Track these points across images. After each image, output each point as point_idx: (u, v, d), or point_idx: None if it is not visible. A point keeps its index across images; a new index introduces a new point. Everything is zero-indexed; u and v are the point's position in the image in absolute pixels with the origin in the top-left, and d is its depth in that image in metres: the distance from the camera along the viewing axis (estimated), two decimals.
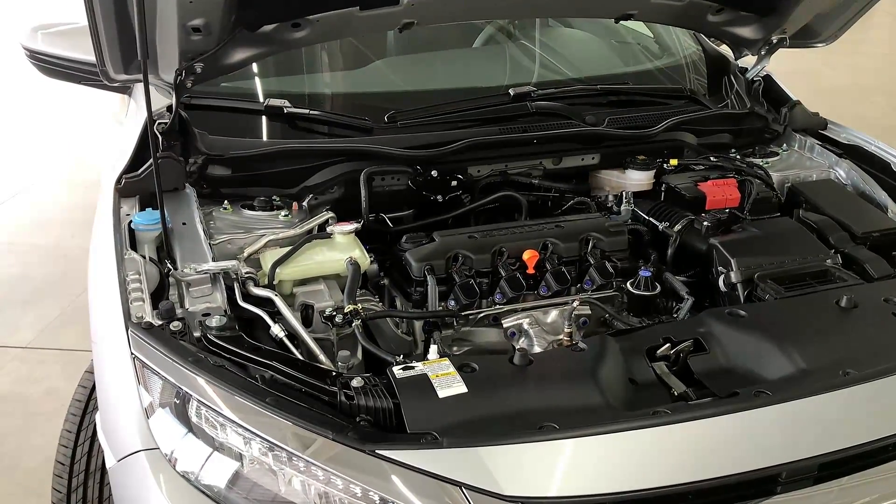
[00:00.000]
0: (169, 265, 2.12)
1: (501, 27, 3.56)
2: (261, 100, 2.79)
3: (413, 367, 1.83)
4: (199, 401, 1.76)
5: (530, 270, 2.34)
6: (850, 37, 3.25)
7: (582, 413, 1.75)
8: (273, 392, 1.74)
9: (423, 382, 1.78)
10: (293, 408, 1.71)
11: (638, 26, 3.66)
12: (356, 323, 2.03)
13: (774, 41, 3.04)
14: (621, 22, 3.07)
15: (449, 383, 1.78)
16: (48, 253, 5.11)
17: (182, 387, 1.78)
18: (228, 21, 2.31)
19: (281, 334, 1.99)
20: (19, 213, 5.74)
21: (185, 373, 1.79)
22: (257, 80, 3.05)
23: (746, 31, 3.05)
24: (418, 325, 2.26)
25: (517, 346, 2.25)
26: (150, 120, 1.98)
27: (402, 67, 3.27)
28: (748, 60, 3.27)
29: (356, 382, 1.78)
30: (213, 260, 2.20)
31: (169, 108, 2.52)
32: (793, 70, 4.26)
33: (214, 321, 1.95)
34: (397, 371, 1.81)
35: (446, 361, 1.85)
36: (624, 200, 2.70)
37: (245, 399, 1.72)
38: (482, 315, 2.28)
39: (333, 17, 2.45)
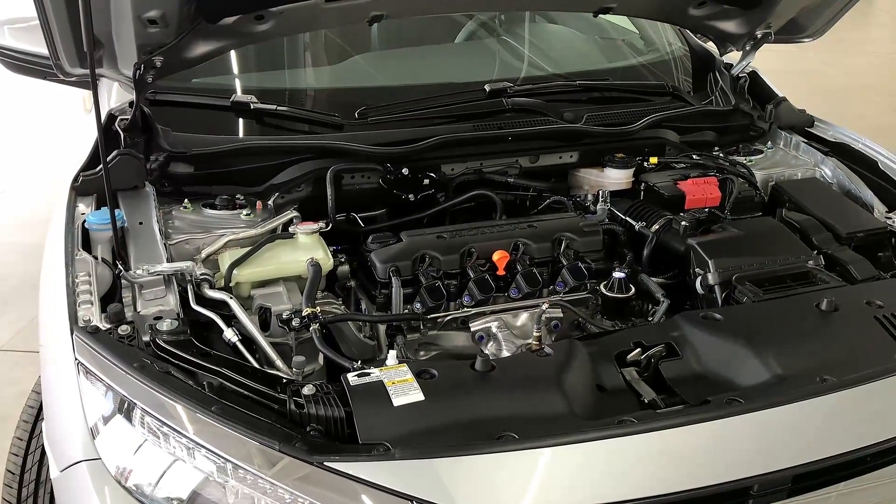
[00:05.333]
0: (120, 266, 2.04)
1: (484, 23, 3.47)
2: (236, 95, 2.69)
3: (369, 374, 1.74)
4: (143, 409, 1.68)
5: (500, 272, 2.26)
6: (850, 36, 3.19)
7: (544, 422, 1.67)
8: (220, 400, 1.66)
9: (378, 390, 1.70)
10: (240, 417, 1.63)
11: (623, 22, 3.58)
12: (314, 327, 1.95)
13: (759, 36, 2.96)
14: (601, 16, 3.00)
15: (405, 391, 1.70)
16: (28, 253, 5.02)
17: (126, 394, 1.70)
18: (187, 13, 2.22)
19: (234, 339, 1.91)
20: None
21: (129, 379, 1.71)
22: (231, 75, 2.98)
23: (730, 26, 2.96)
24: (383, 328, 2.17)
25: (485, 351, 2.17)
26: (98, 116, 1.89)
27: (378, 63, 3.19)
28: (734, 56, 3.18)
29: (307, 390, 1.70)
30: (169, 261, 2.12)
31: (132, 104, 2.44)
32: (792, 70, 4.19)
33: (165, 325, 1.87)
34: (351, 378, 1.73)
35: (404, 367, 1.77)
36: (600, 199, 2.61)
37: (190, 408, 1.64)
38: (449, 318, 2.20)
39: (298, 9, 2.36)
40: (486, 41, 3.45)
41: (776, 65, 3.14)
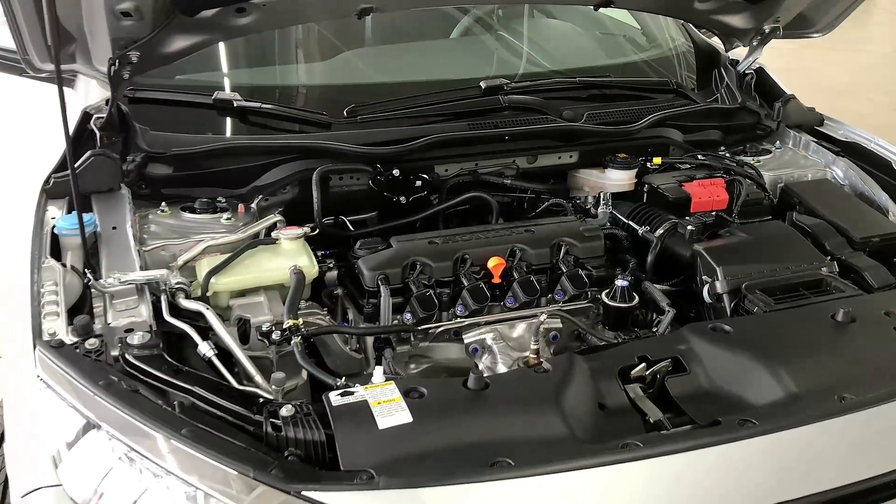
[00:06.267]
0: (89, 275, 1.90)
1: (480, 18, 3.35)
2: (219, 93, 2.55)
3: (352, 393, 1.62)
4: (108, 431, 1.55)
5: (496, 279, 2.14)
6: (851, 35, 3.08)
7: (542, 446, 1.54)
8: (191, 422, 1.53)
9: (363, 411, 1.57)
10: (212, 440, 1.50)
11: (624, 17, 3.46)
12: (295, 340, 1.82)
13: (767, 31, 2.84)
14: (602, 11, 2.87)
15: (392, 411, 1.57)
16: None
17: (91, 415, 1.57)
18: (163, 5, 2.10)
19: (209, 354, 1.78)
20: None
21: (94, 399, 1.58)
22: (217, 71, 2.85)
23: (737, 20, 2.85)
24: (370, 340, 2.04)
25: (480, 364, 2.04)
26: (65, 114, 1.76)
27: (370, 59, 3.06)
28: (740, 52, 3.05)
29: (285, 411, 1.57)
30: (144, 268, 1.99)
31: (108, 101, 2.31)
32: (792, 68, 4.08)
33: (136, 338, 1.75)
34: (333, 397, 1.60)
35: (391, 385, 1.64)
36: (601, 202, 2.49)
37: (158, 430, 1.51)
38: (441, 330, 2.07)
39: (283, 1, 2.24)
40: (482, 37, 3.33)
41: (775, 63, 3.01)
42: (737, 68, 3.02)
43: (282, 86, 2.87)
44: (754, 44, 2.92)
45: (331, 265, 2.23)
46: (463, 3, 3.07)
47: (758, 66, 3.03)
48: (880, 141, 2.78)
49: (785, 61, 3.35)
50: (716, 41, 3.17)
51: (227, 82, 2.82)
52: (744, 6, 2.77)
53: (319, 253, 2.27)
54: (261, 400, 1.65)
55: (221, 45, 2.73)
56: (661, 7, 2.81)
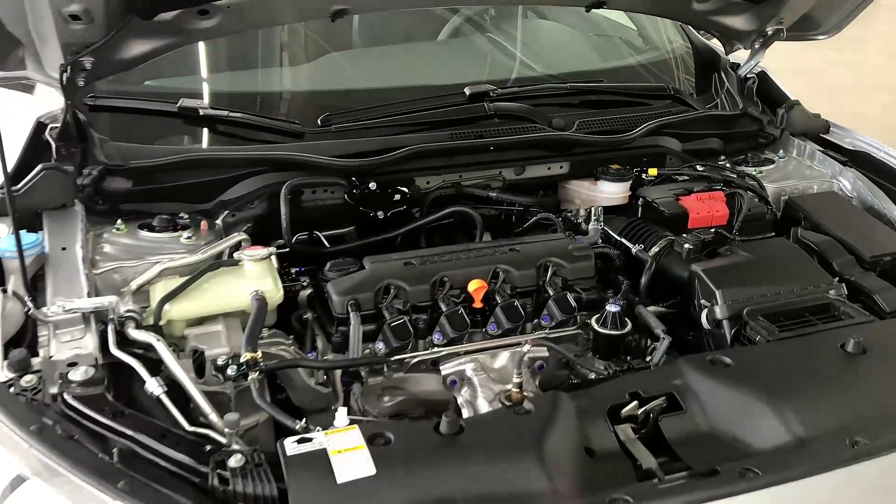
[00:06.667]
0: (29, 303, 1.74)
1: (470, 18, 3.18)
2: (184, 100, 2.38)
3: (310, 440, 1.45)
4: (38, 485, 1.39)
5: (477, 304, 1.98)
6: (854, 34, 2.90)
7: (520, 503, 1.38)
8: (129, 473, 1.38)
9: (320, 461, 1.41)
10: (151, 496, 1.34)
11: (620, 18, 3.30)
12: (252, 376, 1.66)
13: (770, 33, 2.69)
14: (597, 12, 2.70)
15: (353, 461, 1.41)
16: None
17: (19, 465, 1.41)
18: (115, 7, 1.93)
19: (157, 391, 1.62)
20: None
21: (24, 447, 1.42)
22: (190, 76, 2.68)
23: (738, 22, 2.69)
24: (339, 373, 1.88)
25: (459, 397, 1.88)
26: None
27: (351, 63, 2.89)
28: (742, 55, 2.88)
29: (234, 461, 1.42)
30: (94, 294, 1.83)
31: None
32: (792, 67, 3.92)
33: (79, 374, 1.60)
34: (289, 445, 1.44)
35: (354, 431, 1.48)
36: (593, 218, 2.32)
37: (91, 483, 1.35)
38: (417, 360, 1.91)
39: (248, 2, 2.08)
40: (471, 38, 3.17)
41: (775, 62, 2.85)
42: (738, 72, 2.86)
43: (255, 92, 2.71)
44: (756, 46, 2.77)
45: (304, 283, 2.07)
46: (441, 5, 2.90)
47: (760, 69, 2.87)
48: (890, 150, 2.62)
49: (785, 61, 3.20)
50: (716, 43, 3.01)
51: (204, 87, 2.66)
52: (745, 7, 2.62)
53: (294, 270, 2.12)
54: (208, 448, 1.48)
55: (192, 48, 2.57)
56: (657, 8, 2.65)
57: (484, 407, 1.83)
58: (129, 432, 1.48)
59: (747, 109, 2.77)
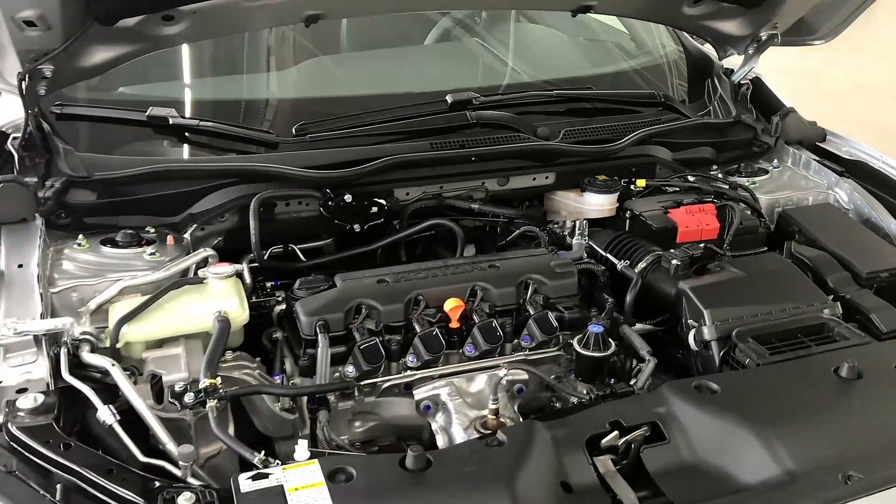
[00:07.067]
0: None
1: (460, 21, 3.09)
2: (153, 108, 2.28)
3: (267, 476, 1.36)
4: None
5: (454, 324, 1.89)
6: (854, 35, 2.81)
7: None
8: None
9: (276, 500, 1.32)
10: None
11: (612, 21, 3.20)
12: (211, 404, 1.56)
13: (764, 38, 2.60)
14: (588, 15, 2.61)
15: (311, 499, 1.32)
16: None
17: None
18: (74, 13, 1.85)
19: (110, 420, 1.53)
20: None
21: None
22: (165, 83, 2.59)
23: (731, 27, 2.61)
24: (305, 399, 1.78)
25: (433, 423, 1.79)
26: None
27: (331, 69, 2.80)
28: (736, 61, 2.79)
29: (183, 500, 1.33)
30: (49, 314, 1.74)
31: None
32: (791, 68, 3.83)
33: (28, 402, 1.52)
34: (244, 482, 1.35)
35: (314, 466, 1.39)
36: (577, 232, 2.23)
37: None
38: (389, 384, 1.82)
39: (216, 7, 1.99)
40: (457, 43, 3.07)
41: (773, 63, 2.76)
42: (731, 78, 2.77)
43: (233, 100, 2.61)
44: (750, 52, 2.68)
45: (280, 298, 1.98)
46: (415, 9, 2.79)
47: (754, 75, 2.78)
48: (888, 159, 2.53)
49: (783, 61, 3.10)
50: (709, 48, 2.92)
51: (180, 94, 2.56)
52: (738, 11, 2.53)
53: (269, 284, 2.02)
54: (157, 484, 1.39)
55: (170, 53, 2.48)
56: (646, 12, 2.56)
57: (459, 434, 1.74)
58: (75, 467, 1.39)
59: (741, 117, 2.67)
